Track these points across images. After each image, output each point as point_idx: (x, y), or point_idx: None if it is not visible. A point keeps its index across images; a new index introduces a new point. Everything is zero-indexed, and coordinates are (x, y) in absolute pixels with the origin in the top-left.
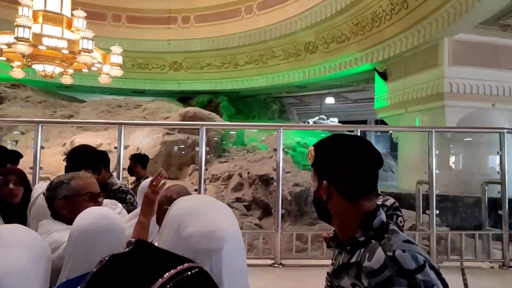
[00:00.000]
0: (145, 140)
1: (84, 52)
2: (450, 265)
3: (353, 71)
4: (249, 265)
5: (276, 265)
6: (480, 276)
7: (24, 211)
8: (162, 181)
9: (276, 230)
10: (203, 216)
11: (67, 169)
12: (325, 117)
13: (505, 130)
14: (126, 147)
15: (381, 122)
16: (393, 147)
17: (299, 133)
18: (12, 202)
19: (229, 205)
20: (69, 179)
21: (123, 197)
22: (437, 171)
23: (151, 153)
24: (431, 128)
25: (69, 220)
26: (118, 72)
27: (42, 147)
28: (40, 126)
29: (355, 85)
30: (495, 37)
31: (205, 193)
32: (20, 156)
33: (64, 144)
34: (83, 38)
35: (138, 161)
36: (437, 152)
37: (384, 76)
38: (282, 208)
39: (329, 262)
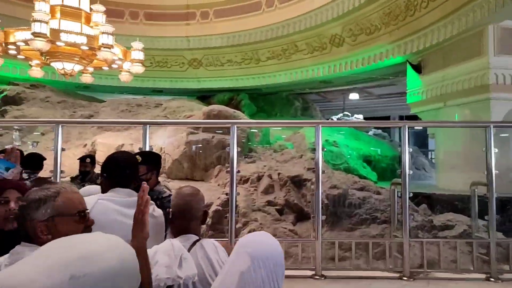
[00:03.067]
0: (168, 140)
1: (104, 47)
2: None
3: (382, 65)
4: (287, 276)
5: (317, 277)
6: None
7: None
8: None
9: (317, 238)
10: None
11: (112, 180)
12: (349, 114)
13: None
14: (151, 148)
15: (406, 118)
16: (423, 144)
17: (327, 131)
18: (7, 227)
19: (260, 209)
20: (53, 194)
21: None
22: (496, 171)
23: (176, 154)
24: (489, 123)
25: None
26: (139, 68)
27: (63, 149)
28: (60, 126)
29: (384, 79)
30: None
31: (237, 197)
32: (43, 159)
33: (85, 145)
34: (103, 33)
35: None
36: (496, 150)
37: (418, 68)
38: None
39: (375, 273)
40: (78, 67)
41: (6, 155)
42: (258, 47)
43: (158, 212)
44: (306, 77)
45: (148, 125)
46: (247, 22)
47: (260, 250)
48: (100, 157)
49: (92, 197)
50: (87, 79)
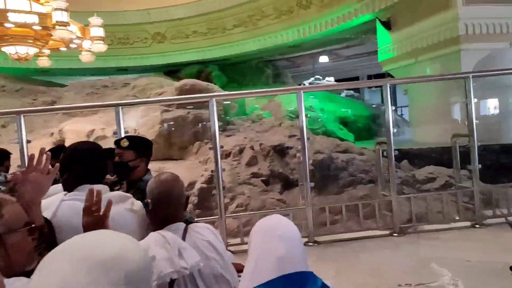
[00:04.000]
0: (141, 121)
1: (59, 26)
2: (496, 221)
3: (351, 24)
4: None
5: (310, 244)
6: None
7: None
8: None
9: (306, 205)
10: None
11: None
12: (321, 77)
13: None
14: (126, 132)
15: (375, 76)
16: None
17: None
18: None
19: (245, 183)
20: None
21: None
22: (477, 121)
23: (151, 134)
24: (468, 73)
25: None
26: (101, 46)
27: (28, 141)
28: (22, 116)
29: (353, 39)
30: None
31: (222, 174)
32: (6, 155)
33: (52, 133)
34: (56, 9)
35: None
36: (476, 100)
37: (388, 25)
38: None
39: (366, 233)
40: (32, 50)
41: None
42: (224, 15)
43: (138, 204)
44: (276, 43)
45: (120, 107)
46: None
47: (290, 232)
48: None
49: (54, 198)
50: (44, 62)
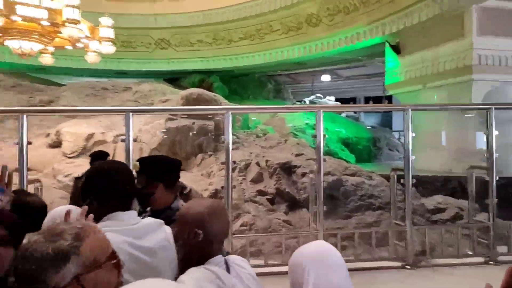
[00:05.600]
0: (144, 128)
1: (69, 23)
2: (510, 259)
3: (359, 45)
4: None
5: None
6: None
7: None
8: None
9: (319, 230)
10: None
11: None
12: (322, 96)
13: None
14: (134, 139)
15: (373, 99)
16: (388, 124)
17: (306, 114)
18: None
19: (251, 200)
20: (73, 241)
21: None
22: (497, 154)
23: (153, 142)
24: (491, 105)
25: None
26: (110, 48)
27: (29, 143)
28: (25, 116)
29: (358, 61)
30: None
31: (232, 191)
32: None
33: (48, 134)
34: (68, 6)
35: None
36: (497, 132)
37: (397, 49)
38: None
39: (378, 263)
40: (37, 46)
41: None
42: (231, 27)
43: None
44: (281, 58)
45: (131, 113)
46: (219, 0)
47: (340, 259)
48: (68, 148)
49: None
50: (47, 60)
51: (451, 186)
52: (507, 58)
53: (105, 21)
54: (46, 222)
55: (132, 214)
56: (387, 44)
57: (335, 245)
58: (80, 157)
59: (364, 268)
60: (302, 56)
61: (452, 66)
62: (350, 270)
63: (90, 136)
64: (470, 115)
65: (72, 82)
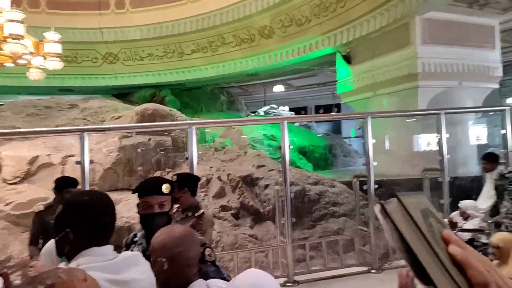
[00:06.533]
0: (95, 147)
1: (12, 38)
2: None
3: (312, 56)
4: None
5: (289, 284)
6: None
7: None
8: None
9: (287, 243)
10: None
11: None
12: (276, 106)
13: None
14: (91, 161)
15: (324, 107)
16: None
17: (262, 126)
18: None
19: (215, 216)
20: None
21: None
22: (448, 155)
23: (108, 162)
24: (440, 109)
25: None
26: (57, 64)
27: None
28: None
29: (311, 71)
30: (463, 14)
31: None
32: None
33: None
34: (10, 20)
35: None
36: (448, 135)
37: (348, 59)
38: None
39: (345, 270)
40: None
41: None
42: (182, 40)
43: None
44: (234, 70)
45: (85, 132)
46: (169, 13)
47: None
48: (8, 174)
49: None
50: None
51: (406, 189)
52: (448, 66)
53: (51, 35)
54: None
55: (108, 248)
56: (338, 54)
57: (304, 256)
58: (23, 183)
59: (333, 276)
60: (256, 68)
61: (399, 74)
62: (320, 279)
63: (34, 159)
64: (413, 120)
65: (12, 101)
